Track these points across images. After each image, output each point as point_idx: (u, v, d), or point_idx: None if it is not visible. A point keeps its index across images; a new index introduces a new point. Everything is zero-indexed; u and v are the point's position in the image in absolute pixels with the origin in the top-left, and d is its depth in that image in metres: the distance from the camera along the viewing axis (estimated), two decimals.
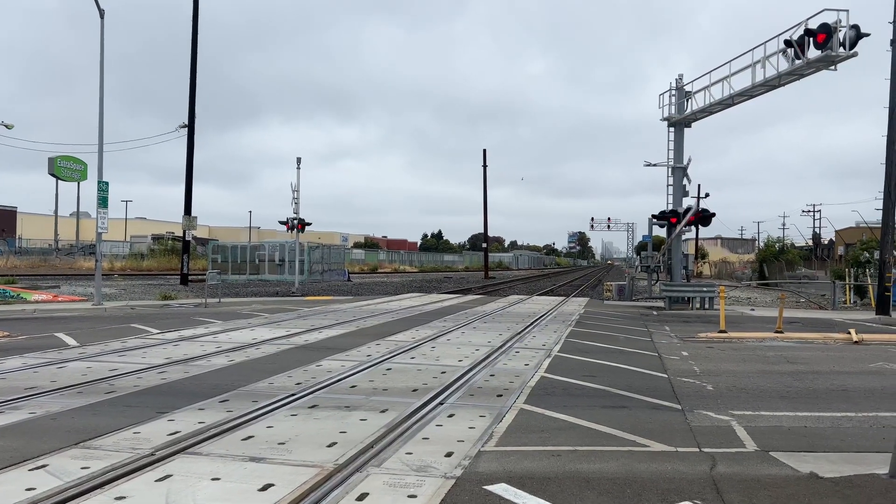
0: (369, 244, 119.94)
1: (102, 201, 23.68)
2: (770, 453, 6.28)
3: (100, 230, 23.80)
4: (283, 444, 6.24)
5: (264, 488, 5.06)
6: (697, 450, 6.36)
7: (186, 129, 38.29)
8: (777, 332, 16.42)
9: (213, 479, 5.24)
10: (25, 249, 71.58)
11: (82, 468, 5.44)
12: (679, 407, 8.24)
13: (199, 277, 37.01)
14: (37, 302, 24.39)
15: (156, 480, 5.20)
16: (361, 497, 4.94)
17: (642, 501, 4.97)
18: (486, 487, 5.17)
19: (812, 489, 5.29)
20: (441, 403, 8.12)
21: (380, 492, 5.06)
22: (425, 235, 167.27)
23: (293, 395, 8.40)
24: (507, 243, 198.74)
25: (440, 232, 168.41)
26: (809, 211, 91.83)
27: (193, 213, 37.64)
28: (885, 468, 5.71)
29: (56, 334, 14.24)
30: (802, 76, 22.14)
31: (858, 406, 8.52)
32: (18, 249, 69.84)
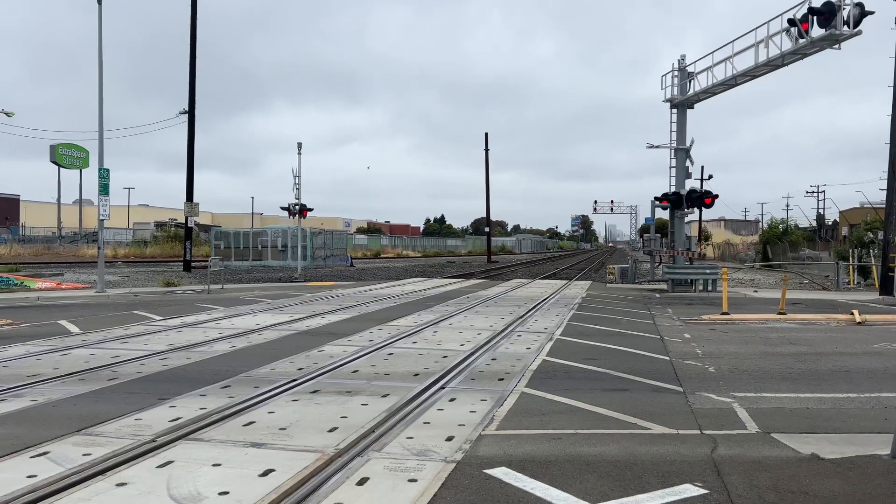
0: (372, 229, 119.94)
1: (104, 189, 23.66)
2: (771, 435, 6.27)
3: (101, 217, 23.81)
4: (284, 429, 6.25)
5: (265, 473, 5.07)
6: (699, 432, 6.35)
7: (187, 115, 38.23)
8: (780, 313, 16.39)
9: (214, 465, 5.25)
10: (29, 237, 71.79)
11: (84, 455, 5.46)
12: (681, 389, 8.23)
13: (202, 264, 37.06)
14: (40, 290, 24.47)
15: (157, 467, 5.21)
16: (362, 482, 4.95)
17: (643, 484, 4.96)
18: (486, 471, 5.17)
19: (813, 470, 5.28)
20: (442, 388, 8.12)
21: (380, 476, 5.06)
22: (428, 220, 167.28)
23: (295, 380, 8.41)
24: (510, 227, 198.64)
25: (443, 216, 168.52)
26: (814, 192, 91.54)
27: (197, 200, 37.68)
28: (886, 449, 5.70)
29: (59, 322, 14.28)
30: (806, 55, 21.95)
31: (860, 387, 8.50)
32: (22, 237, 70.02)
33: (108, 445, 5.71)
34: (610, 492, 4.81)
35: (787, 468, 5.33)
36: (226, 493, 4.70)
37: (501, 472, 5.14)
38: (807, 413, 7.18)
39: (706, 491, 4.82)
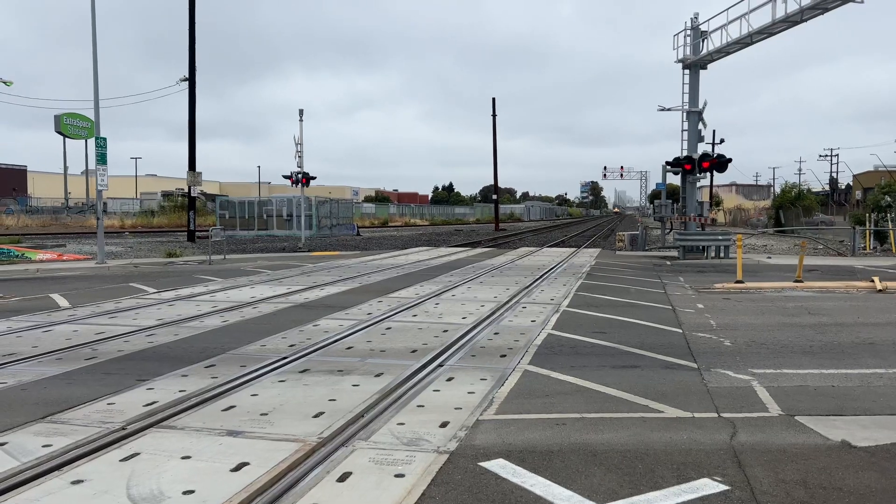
0: (380, 198, 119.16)
1: (101, 158, 23.10)
2: (796, 418, 5.75)
3: (100, 187, 23.28)
4: (266, 414, 5.78)
5: (237, 468, 4.60)
6: (716, 415, 5.83)
7: (188, 82, 37.47)
8: (797, 281, 15.78)
9: (183, 458, 4.78)
10: (36, 208, 71.68)
11: (44, 446, 5.00)
12: (695, 365, 7.70)
13: (207, 234, 36.64)
14: (41, 261, 24.10)
15: (120, 460, 4.75)
16: (343, 477, 4.47)
17: (655, 478, 4.46)
18: (481, 464, 4.68)
19: (845, 461, 4.76)
20: (441, 365, 7.63)
21: (364, 470, 4.58)
22: (436, 188, 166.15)
23: (285, 357, 7.94)
24: (518, 194, 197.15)
25: (451, 184, 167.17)
26: (826, 155, 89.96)
27: (202, 169, 37.12)
28: None
29: (51, 295, 13.86)
30: (827, 10, 20.95)
31: (888, 361, 7.95)
32: (29, 208, 69.92)
33: (72, 435, 5.26)
34: (619, 489, 4.31)
35: (815, 458, 4.81)
36: (191, 491, 4.23)
37: (498, 465, 4.65)
38: (833, 392, 6.64)
39: (727, 487, 4.31)
